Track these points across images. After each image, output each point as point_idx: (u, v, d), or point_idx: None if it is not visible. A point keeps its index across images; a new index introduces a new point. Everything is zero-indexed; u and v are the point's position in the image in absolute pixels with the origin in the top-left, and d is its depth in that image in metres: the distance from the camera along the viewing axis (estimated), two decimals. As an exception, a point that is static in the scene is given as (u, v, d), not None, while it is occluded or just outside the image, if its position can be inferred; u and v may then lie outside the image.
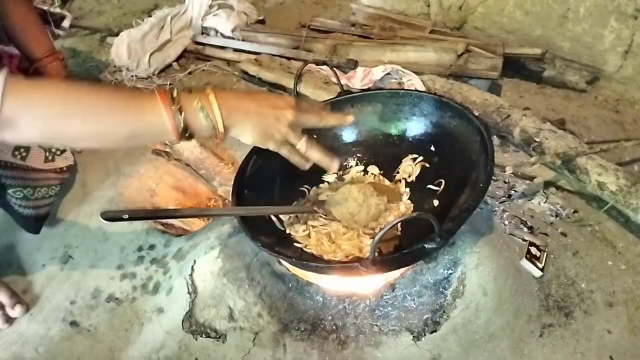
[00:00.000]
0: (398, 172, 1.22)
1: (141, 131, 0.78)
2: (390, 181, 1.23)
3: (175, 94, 0.79)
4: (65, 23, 2.32)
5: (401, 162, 1.23)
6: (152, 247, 1.28)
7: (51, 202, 1.33)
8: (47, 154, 1.29)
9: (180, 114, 0.77)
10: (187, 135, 0.80)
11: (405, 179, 1.20)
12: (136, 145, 0.82)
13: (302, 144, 0.94)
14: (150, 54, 2.07)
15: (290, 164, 1.23)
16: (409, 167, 1.20)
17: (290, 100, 0.90)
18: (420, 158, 1.20)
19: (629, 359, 1.02)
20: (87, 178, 1.51)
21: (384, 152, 1.26)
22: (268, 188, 1.17)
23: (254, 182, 1.12)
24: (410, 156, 1.21)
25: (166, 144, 1.57)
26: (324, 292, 1.06)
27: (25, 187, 1.21)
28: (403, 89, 1.58)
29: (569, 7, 1.86)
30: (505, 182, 1.42)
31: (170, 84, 2.05)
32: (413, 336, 1.00)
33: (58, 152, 1.33)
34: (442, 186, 1.14)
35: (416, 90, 1.53)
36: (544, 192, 1.39)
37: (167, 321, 1.12)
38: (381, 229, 0.78)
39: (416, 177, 1.19)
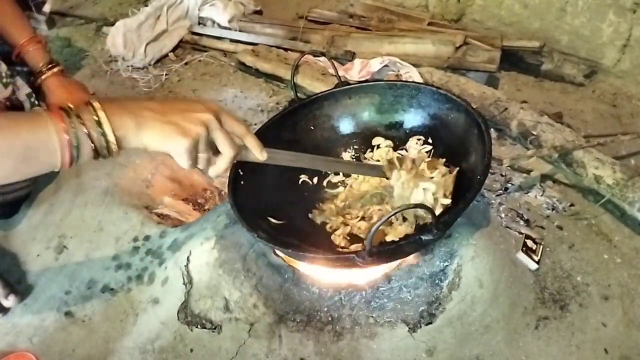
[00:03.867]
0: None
1: (32, 150, 0.67)
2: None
3: (68, 109, 0.70)
4: (46, 8, 2.30)
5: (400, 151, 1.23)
6: (147, 237, 1.27)
7: (24, 186, 1.31)
8: None
9: (74, 127, 0.68)
10: (77, 156, 0.70)
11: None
12: (28, 173, 0.71)
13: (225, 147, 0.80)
14: (147, 44, 2.05)
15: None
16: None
17: (211, 104, 0.80)
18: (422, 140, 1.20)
19: (623, 352, 1.02)
20: (82, 168, 1.49)
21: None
22: (264, 179, 1.16)
23: (250, 174, 1.11)
24: (415, 137, 1.20)
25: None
26: (319, 284, 1.06)
27: None
28: (401, 81, 1.57)
29: (568, 1, 1.86)
30: (502, 175, 1.42)
31: (166, 75, 2.04)
32: (409, 328, 1.00)
33: None
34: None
35: (414, 82, 1.53)
36: (540, 185, 1.39)
37: (163, 312, 1.12)
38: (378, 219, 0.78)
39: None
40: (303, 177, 1.22)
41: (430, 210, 0.80)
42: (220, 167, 0.81)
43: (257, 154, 0.87)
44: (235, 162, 0.84)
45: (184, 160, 0.74)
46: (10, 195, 1.29)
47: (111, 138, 0.70)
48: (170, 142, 0.73)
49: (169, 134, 0.73)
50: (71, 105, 0.71)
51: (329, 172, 1.24)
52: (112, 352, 1.08)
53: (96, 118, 0.69)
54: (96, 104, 0.70)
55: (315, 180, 1.24)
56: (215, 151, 0.79)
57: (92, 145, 0.69)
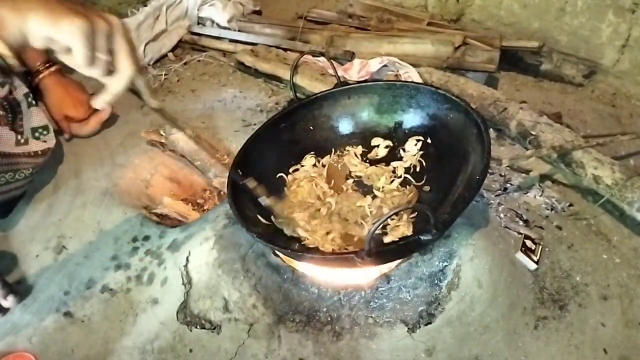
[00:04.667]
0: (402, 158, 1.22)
1: None
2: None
3: None
4: None
5: (399, 151, 1.23)
6: (146, 238, 1.27)
7: (20, 186, 1.31)
8: (19, 136, 1.25)
9: None
10: None
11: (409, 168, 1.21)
12: None
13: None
14: (146, 44, 2.05)
15: (285, 156, 1.24)
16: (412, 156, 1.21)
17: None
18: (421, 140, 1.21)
19: (622, 352, 1.02)
20: (81, 168, 1.50)
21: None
22: (263, 179, 1.16)
23: (250, 174, 1.11)
24: (414, 138, 1.21)
25: (161, 134, 1.55)
26: (319, 284, 1.06)
27: None
28: (400, 81, 1.57)
29: (567, 1, 1.86)
30: (501, 175, 1.42)
31: (165, 75, 2.03)
32: (408, 328, 1.00)
33: (36, 134, 1.31)
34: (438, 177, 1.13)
35: (413, 82, 1.53)
36: (539, 185, 1.39)
37: (162, 312, 1.12)
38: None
39: (413, 168, 1.19)
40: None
41: (430, 210, 0.80)
42: (116, 87, 0.71)
43: (148, 96, 0.78)
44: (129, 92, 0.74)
45: (80, 48, 0.64)
46: (7, 195, 1.29)
47: None
48: (65, 21, 0.62)
49: (64, 12, 0.63)
50: None
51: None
52: (112, 352, 1.08)
53: None
54: None
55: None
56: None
57: None
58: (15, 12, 0.62)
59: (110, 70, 0.71)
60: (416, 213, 1.08)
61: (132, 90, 0.76)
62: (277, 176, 1.22)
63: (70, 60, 0.68)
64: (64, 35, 0.63)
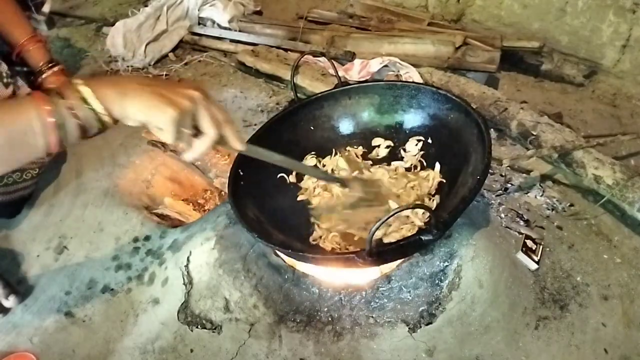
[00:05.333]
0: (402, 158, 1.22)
1: (17, 135, 0.67)
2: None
3: (51, 92, 0.70)
4: (46, 8, 2.30)
5: (399, 151, 1.23)
6: (147, 238, 1.27)
7: (27, 186, 1.32)
8: None
9: (56, 106, 0.68)
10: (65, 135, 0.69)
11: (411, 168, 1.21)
12: (17, 159, 0.70)
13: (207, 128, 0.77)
14: (146, 44, 2.05)
15: (286, 154, 1.23)
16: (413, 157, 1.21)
17: (198, 86, 0.78)
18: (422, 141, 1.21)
19: (623, 352, 1.02)
20: (82, 168, 1.50)
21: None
22: (264, 180, 1.17)
23: (250, 174, 1.11)
24: (415, 138, 1.21)
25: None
26: (319, 284, 1.06)
27: None
28: (401, 81, 1.57)
29: (568, 1, 1.86)
30: (502, 175, 1.42)
31: (166, 74, 2.04)
32: (409, 328, 1.00)
33: None
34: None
35: (414, 82, 1.53)
36: (540, 185, 1.39)
37: (163, 312, 1.12)
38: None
39: (413, 168, 1.20)
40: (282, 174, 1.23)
41: (430, 210, 0.80)
42: (201, 148, 0.78)
43: (236, 143, 0.83)
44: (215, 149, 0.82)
45: (170, 131, 0.72)
46: (15, 195, 1.30)
47: (98, 108, 0.69)
48: (157, 111, 0.71)
49: (156, 103, 0.71)
50: (53, 86, 0.70)
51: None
52: (112, 352, 1.08)
53: (78, 94, 0.69)
54: (78, 81, 0.70)
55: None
56: (196, 133, 0.77)
57: (78, 120, 0.69)
58: (120, 95, 0.71)
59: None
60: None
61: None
62: (278, 176, 1.22)
63: (159, 134, 0.75)
64: (158, 123, 0.72)
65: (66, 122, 0.69)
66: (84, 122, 0.70)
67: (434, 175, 1.14)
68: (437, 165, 1.15)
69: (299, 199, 1.19)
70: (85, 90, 0.69)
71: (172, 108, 0.71)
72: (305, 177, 1.22)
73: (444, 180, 1.12)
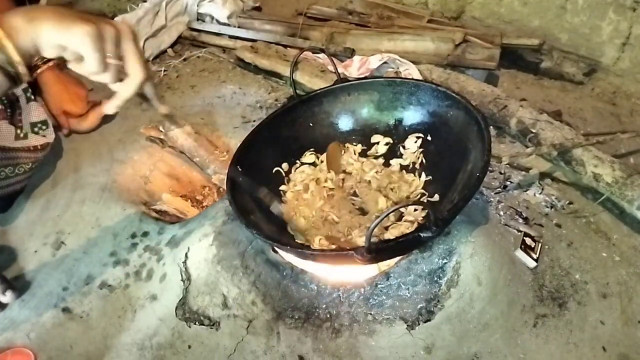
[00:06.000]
0: (401, 156, 1.22)
1: None
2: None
3: None
4: (43, 1, 2.29)
5: (399, 148, 1.23)
6: (145, 234, 1.27)
7: (20, 180, 1.32)
8: (19, 131, 1.25)
9: None
10: None
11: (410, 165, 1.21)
12: None
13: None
14: (145, 40, 2.05)
15: (284, 153, 1.24)
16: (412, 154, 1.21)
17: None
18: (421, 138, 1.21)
19: (622, 350, 1.02)
20: (80, 164, 1.49)
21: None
22: (262, 175, 1.16)
23: (248, 170, 1.11)
24: (414, 135, 1.21)
25: (160, 130, 1.55)
26: (318, 281, 1.06)
27: None
28: (400, 78, 1.57)
29: (568, -2, 1.86)
30: (501, 172, 1.42)
31: (164, 71, 2.03)
32: (407, 325, 1.00)
33: (35, 129, 1.31)
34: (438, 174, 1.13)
35: (413, 79, 1.53)
36: (539, 183, 1.39)
37: (161, 308, 1.12)
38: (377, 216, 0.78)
39: (412, 165, 1.20)
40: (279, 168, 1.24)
41: (429, 207, 0.80)
42: (126, 91, 0.73)
43: (157, 102, 0.80)
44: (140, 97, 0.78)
45: (91, 51, 0.66)
46: (8, 189, 1.29)
47: (11, 52, 0.65)
48: (73, 27, 0.65)
49: (72, 20, 0.66)
50: None
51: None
52: (110, 348, 1.08)
53: None
54: None
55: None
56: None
57: None
58: (28, 21, 0.65)
59: (120, 78, 0.73)
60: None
61: (141, 95, 0.78)
62: (274, 171, 1.22)
63: (82, 69, 0.70)
64: (75, 41, 0.66)
65: None
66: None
67: (418, 184, 1.15)
68: (424, 176, 1.15)
69: (281, 188, 1.21)
70: None
71: (91, 25, 0.66)
72: (295, 170, 1.24)
73: (426, 193, 1.13)
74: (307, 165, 1.25)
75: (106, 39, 0.68)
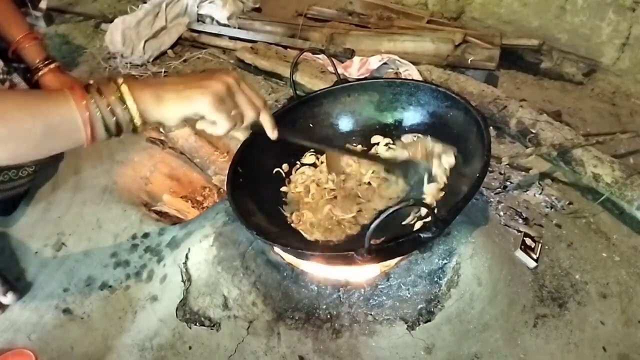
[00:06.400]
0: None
1: (54, 126, 0.68)
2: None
3: (90, 87, 0.72)
4: (42, 4, 2.29)
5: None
6: (146, 235, 1.27)
7: (23, 183, 1.32)
8: None
9: (95, 102, 0.70)
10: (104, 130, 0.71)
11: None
12: (52, 149, 0.72)
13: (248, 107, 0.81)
14: (145, 41, 2.05)
15: (285, 152, 1.24)
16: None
17: (233, 72, 0.81)
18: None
19: (622, 350, 1.02)
20: (81, 165, 1.49)
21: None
22: (263, 176, 1.16)
23: (249, 171, 1.11)
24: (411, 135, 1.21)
25: (161, 131, 1.55)
26: (318, 281, 1.06)
27: None
28: (400, 79, 1.57)
29: (567, -1, 1.86)
30: (501, 173, 1.42)
31: (165, 72, 2.03)
32: (407, 325, 1.00)
33: None
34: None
35: (413, 80, 1.53)
36: (539, 183, 1.39)
37: (161, 309, 1.12)
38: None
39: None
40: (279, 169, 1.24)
41: (430, 207, 0.80)
42: (244, 124, 0.82)
43: (270, 129, 0.87)
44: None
45: (215, 114, 0.74)
46: (11, 192, 1.29)
47: (133, 111, 0.71)
48: (192, 102, 0.73)
49: (189, 95, 0.73)
50: (92, 82, 0.72)
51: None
52: (111, 349, 1.08)
53: (118, 93, 0.70)
54: (119, 80, 0.71)
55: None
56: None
57: (115, 119, 0.70)
58: (155, 98, 0.72)
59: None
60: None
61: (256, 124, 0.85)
62: (274, 171, 1.22)
63: (215, 130, 0.78)
64: (199, 111, 0.74)
65: (105, 118, 0.70)
66: (120, 120, 0.71)
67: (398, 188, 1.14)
68: (401, 182, 1.15)
69: (282, 189, 1.20)
70: (124, 89, 0.71)
71: (205, 94, 0.73)
72: (296, 171, 1.23)
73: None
74: (307, 167, 1.25)
75: (224, 100, 0.75)
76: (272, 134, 0.88)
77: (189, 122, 0.77)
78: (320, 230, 1.08)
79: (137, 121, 0.72)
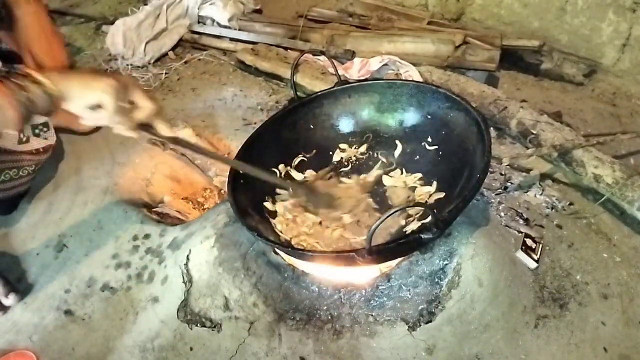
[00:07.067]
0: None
1: None
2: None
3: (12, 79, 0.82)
4: None
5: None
6: (147, 236, 1.27)
7: (24, 182, 1.32)
8: (21, 135, 1.26)
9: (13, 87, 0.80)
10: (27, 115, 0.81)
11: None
12: None
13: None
14: (146, 43, 2.05)
15: (286, 153, 1.24)
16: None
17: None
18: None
19: (623, 351, 1.02)
20: (82, 167, 1.50)
21: (381, 143, 1.26)
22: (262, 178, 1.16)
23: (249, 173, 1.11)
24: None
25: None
26: (319, 282, 1.06)
27: None
28: (401, 80, 1.57)
29: (568, 0, 1.86)
30: (501, 174, 1.42)
31: (166, 74, 2.04)
32: (408, 327, 1.00)
33: (37, 132, 1.31)
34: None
35: (414, 81, 1.53)
36: (540, 184, 1.39)
37: (163, 310, 1.12)
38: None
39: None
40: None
41: (431, 208, 0.80)
42: (141, 114, 0.88)
43: (166, 127, 0.92)
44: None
45: (110, 101, 0.82)
46: (12, 192, 1.30)
47: (46, 82, 0.81)
48: (98, 82, 0.83)
49: (95, 77, 0.84)
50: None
51: None
52: (112, 350, 1.08)
53: (31, 77, 0.81)
54: (30, 71, 0.83)
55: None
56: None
57: (29, 95, 0.81)
58: (62, 76, 0.84)
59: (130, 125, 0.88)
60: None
61: (148, 125, 0.90)
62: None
63: (97, 118, 0.85)
64: (97, 94, 0.82)
65: (23, 99, 0.80)
66: (36, 97, 0.81)
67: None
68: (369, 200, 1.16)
69: (273, 221, 1.14)
70: (34, 73, 0.82)
71: (109, 79, 0.83)
72: (278, 204, 1.18)
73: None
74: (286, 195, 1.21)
75: (120, 88, 0.84)
76: (165, 130, 0.92)
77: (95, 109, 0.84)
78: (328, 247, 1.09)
79: (52, 90, 0.81)
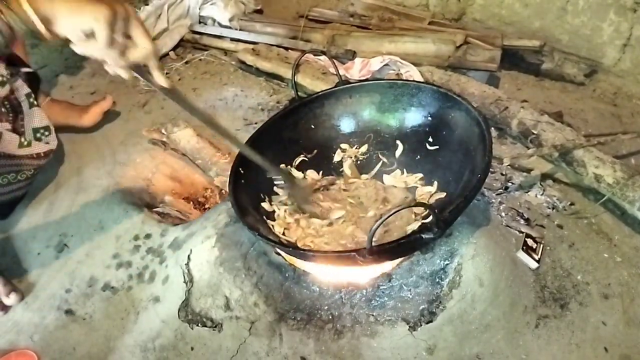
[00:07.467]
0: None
1: None
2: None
3: None
4: None
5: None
6: (148, 236, 1.28)
7: (21, 187, 1.31)
8: (22, 139, 1.25)
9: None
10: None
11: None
12: None
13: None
14: (147, 43, 2.05)
15: (287, 153, 1.24)
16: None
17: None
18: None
19: (623, 351, 1.02)
20: (82, 166, 1.50)
21: (382, 143, 1.26)
22: (264, 177, 1.16)
23: (251, 172, 1.11)
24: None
25: (162, 133, 1.56)
26: (320, 282, 1.06)
27: None
28: (401, 80, 1.57)
29: (568, 0, 1.86)
30: (502, 174, 1.42)
31: (166, 74, 2.04)
32: (409, 326, 1.00)
33: (38, 135, 1.31)
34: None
35: (414, 81, 1.53)
36: (541, 184, 1.39)
37: (163, 310, 1.12)
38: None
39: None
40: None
41: (431, 208, 0.80)
42: (132, 58, 0.78)
43: (157, 71, 0.83)
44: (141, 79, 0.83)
45: (102, 31, 0.72)
46: (10, 195, 1.29)
47: (25, 6, 0.71)
48: (89, 8, 0.72)
49: (92, 2, 0.72)
50: None
51: None
52: (113, 350, 1.08)
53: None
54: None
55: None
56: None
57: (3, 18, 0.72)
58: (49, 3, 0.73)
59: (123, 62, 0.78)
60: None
61: (144, 71, 0.82)
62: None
63: (88, 47, 0.75)
64: (88, 20, 0.72)
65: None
66: (11, 22, 0.73)
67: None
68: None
69: (271, 223, 1.13)
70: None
71: (104, 6, 0.72)
72: (276, 207, 1.18)
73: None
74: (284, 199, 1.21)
75: (116, 17, 0.73)
76: (160, 78, 0.84)
77: (88, 36, 0.75)
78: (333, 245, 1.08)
79: (32, 16, 0.71)
